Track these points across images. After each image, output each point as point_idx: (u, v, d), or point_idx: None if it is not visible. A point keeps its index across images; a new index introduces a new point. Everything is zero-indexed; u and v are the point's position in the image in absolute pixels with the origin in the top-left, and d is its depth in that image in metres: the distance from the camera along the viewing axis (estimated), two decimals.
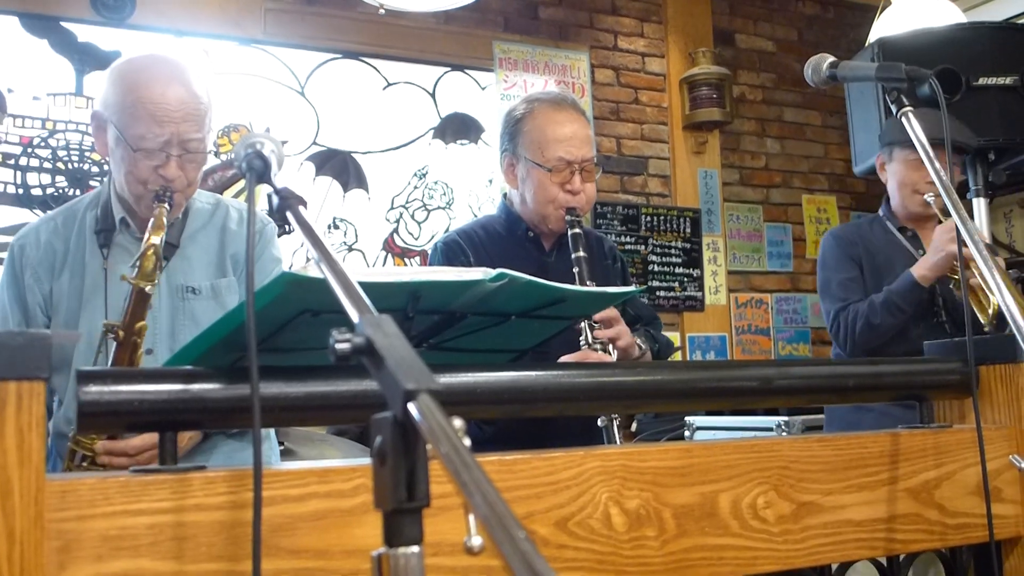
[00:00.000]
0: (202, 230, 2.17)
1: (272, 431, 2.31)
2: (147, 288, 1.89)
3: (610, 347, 2.19)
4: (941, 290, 2.81)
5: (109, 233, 2.09)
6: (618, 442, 2.14)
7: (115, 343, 1.90)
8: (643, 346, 2.32)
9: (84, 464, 1.93)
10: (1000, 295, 1.50)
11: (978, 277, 2.57)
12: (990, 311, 2.58)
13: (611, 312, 2.21)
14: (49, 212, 2.22)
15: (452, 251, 2.37)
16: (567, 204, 2.33)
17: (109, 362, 1.91)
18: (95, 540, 1.01)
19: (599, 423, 2.18)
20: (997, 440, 1.67)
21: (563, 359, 2.12)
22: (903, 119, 1.75)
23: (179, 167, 1.99)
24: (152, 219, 1.93)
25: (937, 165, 1.68)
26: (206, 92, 2.07)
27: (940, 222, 2.72)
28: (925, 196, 2.81)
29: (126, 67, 2.07)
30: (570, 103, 2.43)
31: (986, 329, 2.64)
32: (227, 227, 2.20)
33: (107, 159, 2.11)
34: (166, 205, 1.95)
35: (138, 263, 1.89)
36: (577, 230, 2.31)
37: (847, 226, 3.07)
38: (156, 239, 1.90)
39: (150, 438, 1.88)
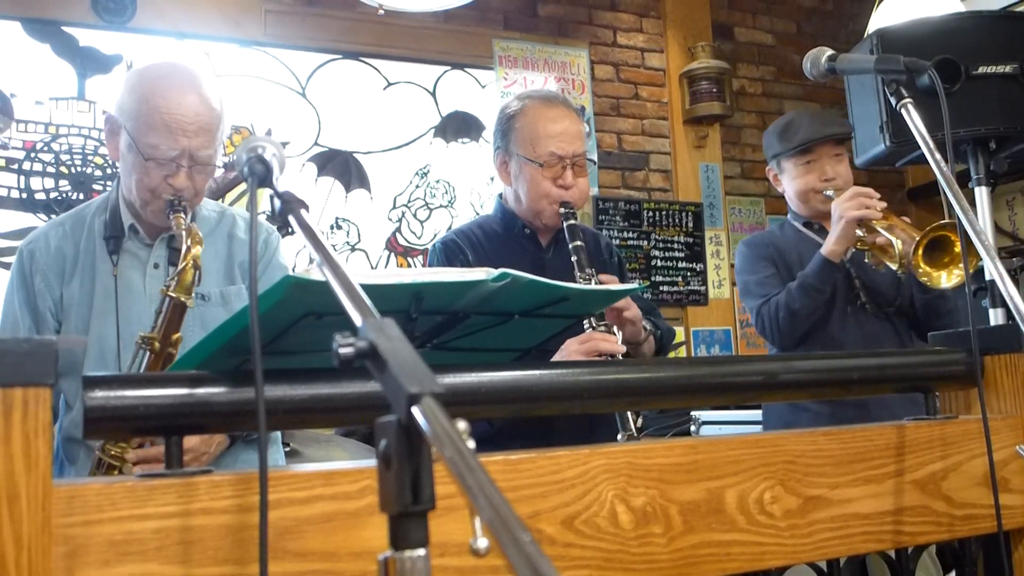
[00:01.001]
0: (208, 237, 2.17)
1: (277, 434, 2.32)
2: (187, 301, 1.92)
3: (614, 328, 2.19)
4: (856, 271, 2.85)
5: (118, 240, 2.11)
6: (632, 427, 2.13)
7: (149, 353, 1.92)
8: (648, 327, 2.33)
9: (114, 474, 1.94)
10: (1000, 281, 1.50)
11: (883, 232, 2.61)
12: (897, 258, 2.60)
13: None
14: (57, 217, 2.23)
15: (451, 251, 2.38)
16: (560, 199, 2.34)
17: (142, 371, 1.92)
18: (102, 545, 1.01)
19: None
20: (1003, 430, 1.67)
21: (569, 341, 2.12)
22: (902, 111, 1.74)
23: (188, 177, 2.01)
24: (184, 232, 1.94)
25: (938, 156, 1.68)
26: (220, 104, 2.08)
27: None
28: (825, 192, 2.86)
29: (144, 74, 2.08)
30: (561, 100, 2.46)
31: (900, 274, 2.68)
32: (235, 235, 2.22)
33: (117, 162, 2.13)
34: (181, 215, 1.97)
35: (176, 277, 1.92)
36: (572, 221, 2.32)
37: (759, 234, 3.15)
38: (197, 250, 1.92)
39: (184, 441, 1.88)
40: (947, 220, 2.50)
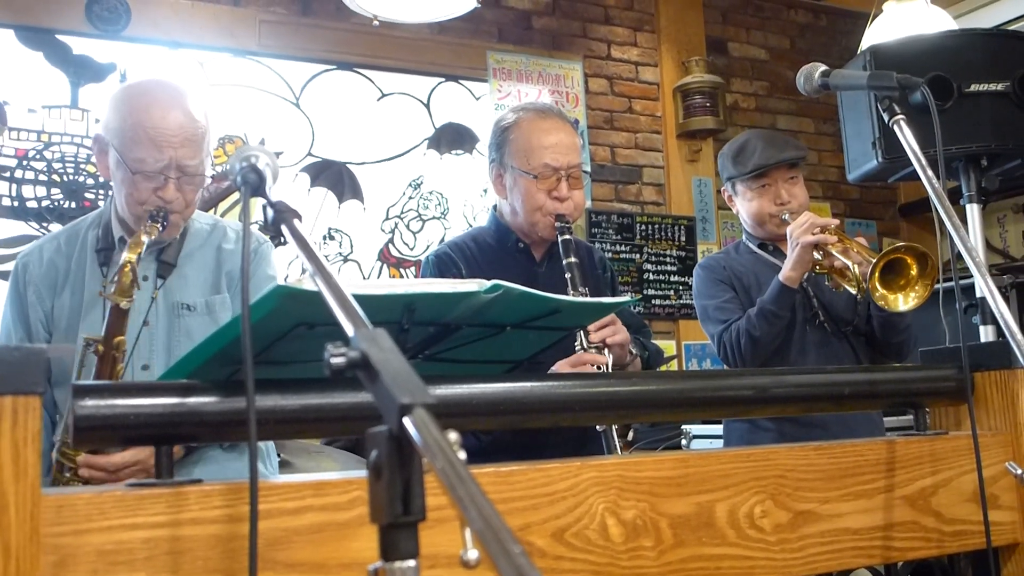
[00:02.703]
0: (199, 250, 2.22)
1: (271, 443, 2.34)
2: (123, 304, 1.94)
3: (605, 351, 2.19)
4: (814, 291, 2.85)
5: (109, 252, 2.15)
6: (617, 447, 2.14)
7: (96, 357, 1.96)
8: (634, 351, 2.32)
9: (68, 475, 1.98)
10: (991, 297, 1.51)
11: (839, 257, 2.62)
12: (855, 282, 2.61)
13: (608, 318, 2.21)
14: (53, 231, 2.30)
15: (444, 263, 2.38)
16: (555, 211, 2.34)
17: (92, 376, 1.96)
18: (91, 555, 1.01)
19: (598, 428, 2.18)
20: (993, 447, 1.67)
21: (560, 363, 2.12)
22: (894, 127, 1.75)
23: (177, 189, 2.05)
24: (131, 238, 1.99)
25: (930, 173, 1.68)
26: (204, 117, 2.13)
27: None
28: (780, 216, 2.87)
29: (128, 92, 2.14)
30: (556, 112, 2.46)
31: (859, 299, 2.68)
32: (223, 247, 2.25)
33: (109, 181, 2.17)
34: (159, 225, 2.01)
35: (116, 279, 1.95)
36: (567, 236, 2.31)
37: (714, 255, 3.13)
38: (133, 256, 1.95)
39: (131, 456, 1.92)
40: (902, 243, 2.51)
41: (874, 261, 2.44)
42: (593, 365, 2.13)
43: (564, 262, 2.28)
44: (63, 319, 2.12)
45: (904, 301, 2.45)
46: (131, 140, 2.04)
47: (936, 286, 2.49)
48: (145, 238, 1.98)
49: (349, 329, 0.83)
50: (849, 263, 2.61)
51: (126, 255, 1.94)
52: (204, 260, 2.22)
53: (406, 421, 0.71)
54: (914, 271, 2.44)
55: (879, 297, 2.45)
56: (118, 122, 2.08)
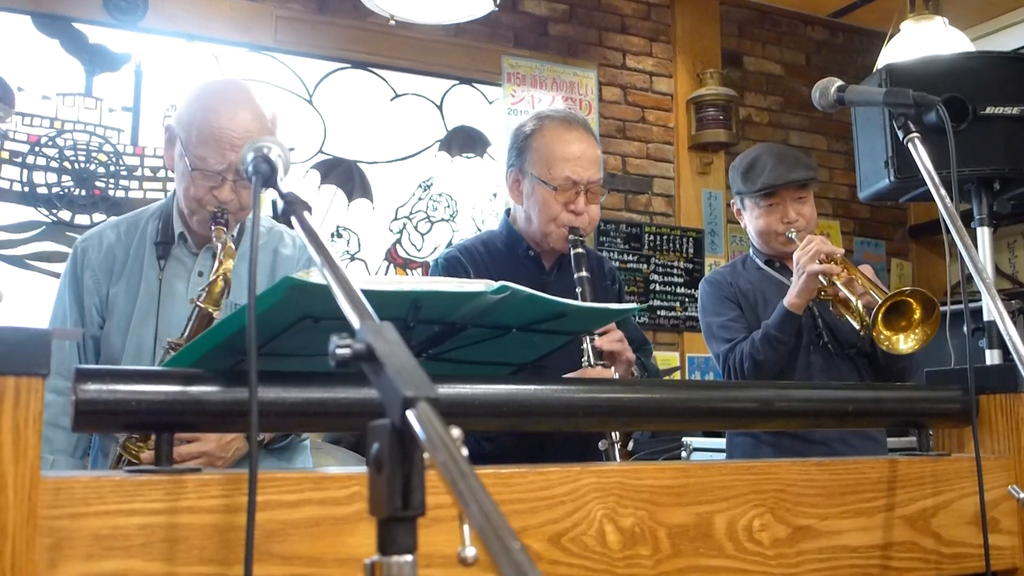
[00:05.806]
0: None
1: (307, 444, 2.35)
2: (214, 312, 1.96)
3: (612, 368, 2.18)
4: (820, 311, 2.83)
5: (168, 246, 2.18)
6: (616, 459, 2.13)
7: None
8: (635, 372, 2.31)
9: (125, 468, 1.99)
10: (1000, 319, 1.50)
11: (843, 289, 2.60)
12: (858, 317, 2.60)
13: (615, 332, 2.20)
14: (114, 218, 2.31)
15: (453, 266, 2.37)
16: (570, 224, 2.32)
17: None
18: (87, 539, 1.00)
19: (600, 447, 2.16)
20: (996, 470, 1.67)
21: (564, 378, 2.11)
22: (909, 144, 1.75)
23: (233, 191, 2.07)
24: (220, 245, 2.00)
25: (943, 191, 1.68)
26: (272, 122, 2.15)
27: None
28: (786, 233, 2.85)
29: (202, 89, 2.17)
30: (580, 123, 2.43)
31: (862, 334, 2.66)
32: (279, 251, 2.28)
33: (172, 171, 2.20)
34: (222, 228, 2.03)
35: (207, 288, 1.97)
36: (580, 250, 2.30)
37: (720, 270, 3.11)
38: (229, 264, 1.98)
39: (197, 448, 1.93)
40: (908, 287, 2.49)
41: (880, 301, 2.43)
42: None
43: (575, 276, 2.27)
44: (117, 306, 2.14)
45: (904, 342, 2.45)
46: (197, 137, 2.05)
47: (943, 308, 2.47)
48: (232, 245, 2.00)
49: (355, 322, 0.83)
50: (852, 297, 2.59)
51: (223, 264, 1.97)
52: (260, 262, 2.23)
53: (409, 414, 0.70)
54: (918, 315, 2.43)
55: (883, 339, 2.44)
56: (188, 117, 2.09)
